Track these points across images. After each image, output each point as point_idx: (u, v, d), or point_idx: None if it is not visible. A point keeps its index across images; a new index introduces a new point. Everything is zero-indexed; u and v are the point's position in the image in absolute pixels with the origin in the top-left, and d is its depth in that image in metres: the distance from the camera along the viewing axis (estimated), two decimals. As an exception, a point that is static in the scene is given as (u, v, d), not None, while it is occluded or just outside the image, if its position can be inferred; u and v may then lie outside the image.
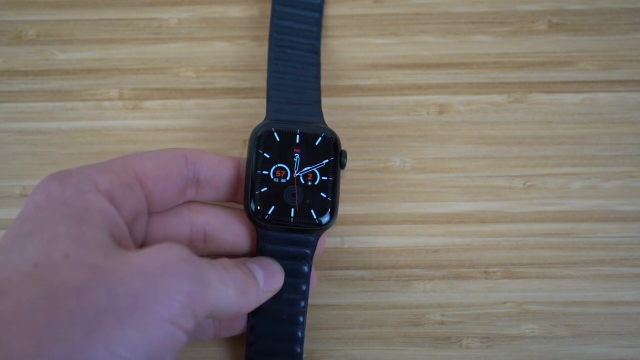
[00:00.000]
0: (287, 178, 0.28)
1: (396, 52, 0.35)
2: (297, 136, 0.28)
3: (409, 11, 0.36)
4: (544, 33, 0.35)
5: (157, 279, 0.20)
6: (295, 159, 0.28)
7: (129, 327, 0.19)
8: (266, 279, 0.26)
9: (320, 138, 0.28)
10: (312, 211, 0.27)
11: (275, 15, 0.32)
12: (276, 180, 0.27)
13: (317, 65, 0.32)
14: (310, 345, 0.31)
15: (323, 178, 0.28)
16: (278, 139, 0.28)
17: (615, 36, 0.35)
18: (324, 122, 0.30)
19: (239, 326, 0.29)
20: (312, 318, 0.31)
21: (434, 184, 0.33)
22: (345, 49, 0.35)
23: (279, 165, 0.28)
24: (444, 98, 0.34)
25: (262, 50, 0.35)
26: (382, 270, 0.32)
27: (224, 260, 0.25)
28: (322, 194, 0.28)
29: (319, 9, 0.34)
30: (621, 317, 0.31)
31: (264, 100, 0.32)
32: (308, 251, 0.28)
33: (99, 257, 0.21)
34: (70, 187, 0.23)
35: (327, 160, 0.28)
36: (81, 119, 0.34)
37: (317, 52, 0.32)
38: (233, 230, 0.28)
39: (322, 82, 0.34)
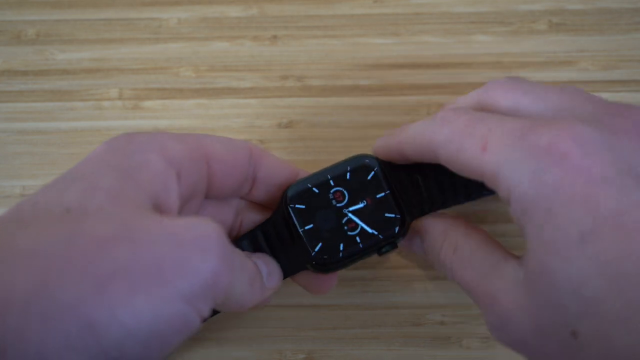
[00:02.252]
0: (338, 205, 0.26)
1: (396, 52, 0.35)
2: (385, 190, 0.26)
3: (409, 11, 0.36)
4: (544, 33, 0.35)
5: (188, 250, 0.20)
6: (361, 203, 0.26)
7: (141, 294, 0.18)
8: (268, 276, 0.25)
9: (392, 215, 0.26)
10: (318, 245, 0.26)
11: None
12: (330, 196, 0.26)
13: None
14: (310, 345, 0.31)
15: (357, 239, 0.26)
16: (369, 178, 0.26)
17: (615, 36, 0.35)
18: (419, 215, 0.27)
19: None
20: (312, 318, 0.31)
21: (434, 184, 0.33)
22: (345, 49, 0.35)
23: (343, 190, 0.26)
24: (444, 98, 0.34)
25: (261, 50, 0.35)
26: (382, 270, 0.32)
27: (239, 250, 0.24)
28: (341, 245, 0.26)
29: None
30: (622, 317, 0.31)
31: (264, 100, 0.32)
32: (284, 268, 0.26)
33: (132, 215, 0.20)
34: (135, 144, 0.22)
35: (375, 232, 0.26)
36: (81, 119, 0.34)
37: None
38: None
39: (322, 82, 0.34)
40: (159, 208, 0.22)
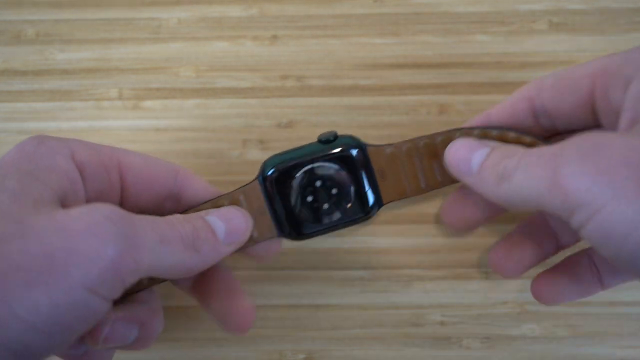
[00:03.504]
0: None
1: (396, 52, 0.35)
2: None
3: (409, 11, 0.36)
4: (545, 33, 0.35)
5: (78, 240, 0.19)
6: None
7: (36, 288, 0.19)
8: (229, 232, 0.25)
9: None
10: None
11: None
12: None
13: None
14: (310, 345, 0.31)
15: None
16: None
17: (616, 36, 0.35)
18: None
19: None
20: (312, 318, 0.31)
21: (434, 184, 0.33)
22: (345, 49, 0.35)
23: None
24: (444, 98, 0.34)
25: (261, 50, 0.35)
26: (382, 271, 0.32)
27: (175, 216, 0.24)
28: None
29: None
30: (621, 318, 0.31)
31: (264, 100, 0.32)
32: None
33: (29, 212, 0.20)
34: (45, 148, 0.23)
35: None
36: (81, 119, 0.34)
37: None
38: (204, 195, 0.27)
39: (322, 82, 0.34)
40: (67, 202, 0.22)
